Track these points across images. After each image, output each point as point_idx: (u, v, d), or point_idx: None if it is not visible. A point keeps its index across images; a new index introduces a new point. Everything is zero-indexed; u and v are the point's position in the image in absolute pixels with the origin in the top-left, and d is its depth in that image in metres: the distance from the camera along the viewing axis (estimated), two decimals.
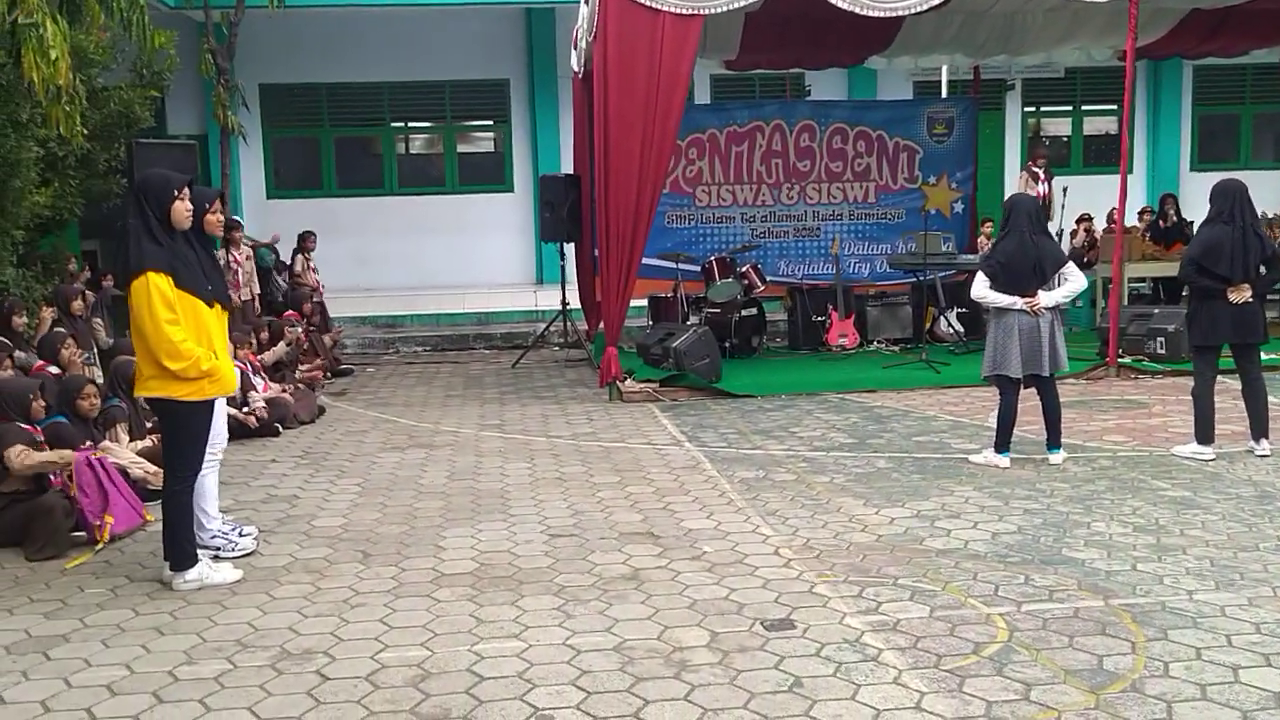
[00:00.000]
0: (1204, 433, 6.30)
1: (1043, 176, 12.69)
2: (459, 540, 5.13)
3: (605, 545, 4.99)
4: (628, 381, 9.12)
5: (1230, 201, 6.19)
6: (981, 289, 6.17)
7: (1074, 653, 3.60)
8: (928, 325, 10.86)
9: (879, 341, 10.96)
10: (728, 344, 10.38)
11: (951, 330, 10.76)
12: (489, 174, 15.99)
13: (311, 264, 11.96)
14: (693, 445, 7.13)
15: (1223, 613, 3.91)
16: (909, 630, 3.84)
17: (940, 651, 3.65)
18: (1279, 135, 14.41)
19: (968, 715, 3.17)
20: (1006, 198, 6.49)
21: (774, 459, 6.64)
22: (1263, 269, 6.23)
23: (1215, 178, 6.48)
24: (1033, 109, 16.66)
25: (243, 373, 8.08)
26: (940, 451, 6.68)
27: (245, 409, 7.64)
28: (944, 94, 14.17)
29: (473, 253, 15.38)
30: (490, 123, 16.05)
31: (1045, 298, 6.09)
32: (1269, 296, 11.57)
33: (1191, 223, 11.46)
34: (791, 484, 6.02)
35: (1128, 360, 9.24)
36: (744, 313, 10.65)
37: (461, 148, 16.19)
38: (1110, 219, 12.01)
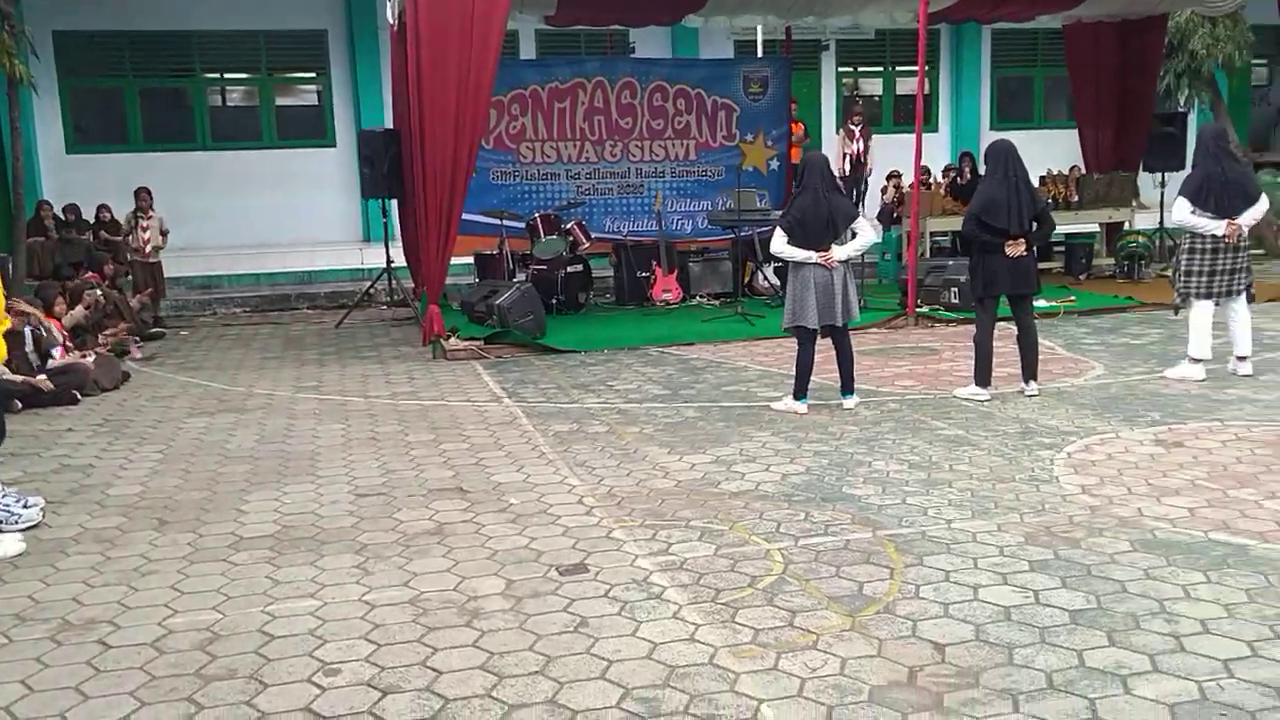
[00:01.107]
0: (982, 376, 6.83)
1: (858, 134, 13.24)
2: (262, 504, 5.08)
3: (413, 502, 5.04)
4: (451, 340, 9.11)
5: (1003, 161, 6.67)
6: (779, 244, 6.46)
7: (839, 581, 3.90)
8: (745, 279, 11.23)
9: (701, 296, 11.27)
10: (554, 300, 10.48)
11: (768, 284, 11.16)
12: (309, 128, 15.45)
13: (146, 223, 11.31)
14: (512, 401, 7.22)
15: (974, 539, 4.30)
16: (694, 568, 4.07)
17: (720, 586, 3.89)
18: (1068, 97, 15.42)
19: (736, 643, 3.42)
20: (802, 157, 6.77)
21: (589, 412, 6.81)
22: (1034, 224, 6.75)
23: (1014, 136, 6.93)
24: (848, 69, 17.25)
25: (40, 339, 7.69)
26: (746, 400, 7.00)
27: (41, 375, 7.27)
28: (760, 53, 14.51)
29: (295, 210, 14.85)
30: (311, 75, 15.49)
31: (838, 252, 6.43)
32: (1055, 248, 12.59)
33: None
34: (603, 435, 6.20)
35: (925, 309, 9.84)
36: (570, 269, 10.75)
37: (280, 100, 15.57)
38: None
